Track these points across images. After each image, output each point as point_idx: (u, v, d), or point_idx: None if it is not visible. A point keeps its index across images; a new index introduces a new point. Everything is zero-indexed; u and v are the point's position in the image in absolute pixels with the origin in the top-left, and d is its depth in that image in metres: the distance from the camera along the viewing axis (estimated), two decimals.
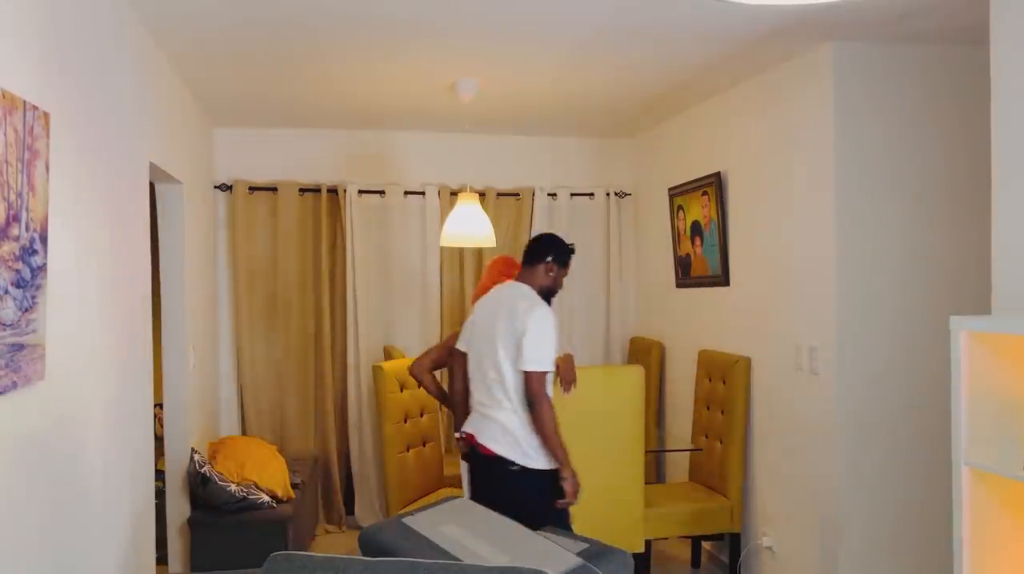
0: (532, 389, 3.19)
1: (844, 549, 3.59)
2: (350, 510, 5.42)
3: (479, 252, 5.53)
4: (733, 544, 4.32)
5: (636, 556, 3.78)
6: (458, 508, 2.89)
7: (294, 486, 4.41)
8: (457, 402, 3.57)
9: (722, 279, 4.53)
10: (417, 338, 5.46)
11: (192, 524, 4.03)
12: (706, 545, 4.78)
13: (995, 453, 2.37)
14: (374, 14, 3.18)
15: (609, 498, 3.88)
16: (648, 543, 4.16)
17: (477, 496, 3.34)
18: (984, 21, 2.74)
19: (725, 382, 4.33)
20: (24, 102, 1.91)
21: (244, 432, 5.30)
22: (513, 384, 3.23)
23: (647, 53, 3.73)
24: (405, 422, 4.45)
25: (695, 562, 4.68)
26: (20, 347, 1.90)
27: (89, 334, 2.51)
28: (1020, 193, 2.56)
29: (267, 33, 3.40)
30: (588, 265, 5.75)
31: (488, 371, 3.30)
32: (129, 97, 3.07)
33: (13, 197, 1.85)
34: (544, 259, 3.39)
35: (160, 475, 3.76)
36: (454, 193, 5.40)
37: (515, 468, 3.23)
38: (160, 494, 3.73)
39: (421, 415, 4.53)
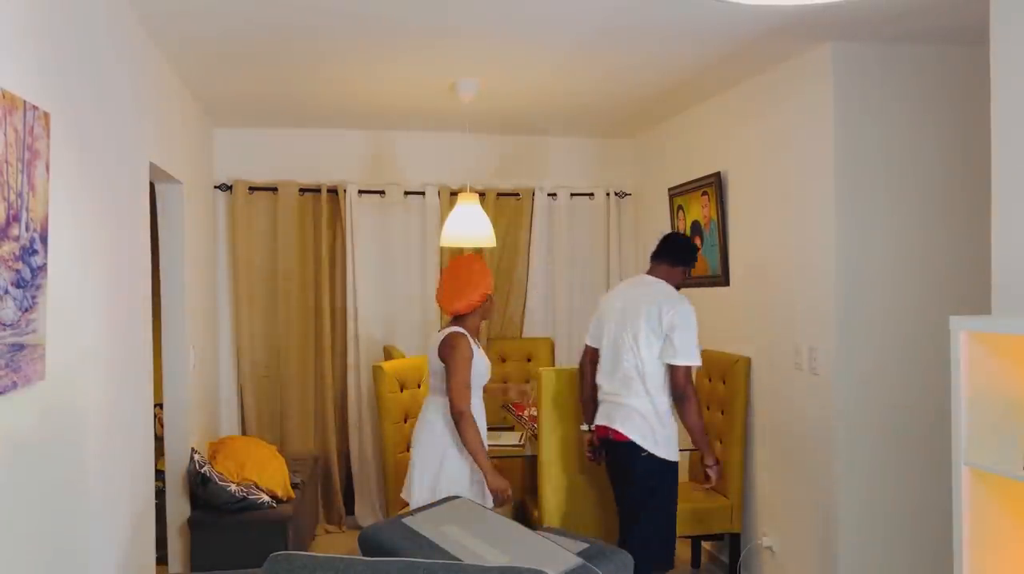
0: (680, 382, 3.42)
1: (844, 549, 3.59)
2: (350, 510, 5.42)
3: (479, 252, 5.53)
4: (733, 544, 4.32)
5: None
6: (458, 508, 2.89)
7: (294, 486, 4.41)
8: (588, 398, 3.77)
9: (722, 279, 4.53)
10: (417, 338, 5.46)
11: (192, 524, 4.03)
12: (706, 545, 4.78)
13: (995, 453, 2.36)
14: (374, 14, 3.18)
15: (609, 498, 3.89)
16: None
17: (614, 483, 3.64)
18: (984, 21, 2.74)
19: (725, 382, 4.33)
20: (24, 102, 1.91)
21: (244, 432, 5.30)
22: (652, 375, 3.45)
23: (647, 53, 3.73)
24: (405, 422, 4.45)
25: (695, 562, 4.68)
26: (20, 347, 1.90)
27: (89, 334, 2.51)
28: (1020, 193, 2.56)
29: (267, 33, 3.40)
30: (588, 265, 5.75)
31: (625, 362, 3.49)
32: (129, 97, 3.07)
33: (13, 197, 1.85)
34: (688, 264, 3.64)
35: (160, 475, 3.76)
36: (454, 193, 5.40)
37: (644, 454, 3.43)
38: (160, 494, 3.73)
39: None
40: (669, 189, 5.10)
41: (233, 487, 4.03)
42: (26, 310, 1.93)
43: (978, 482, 2.37)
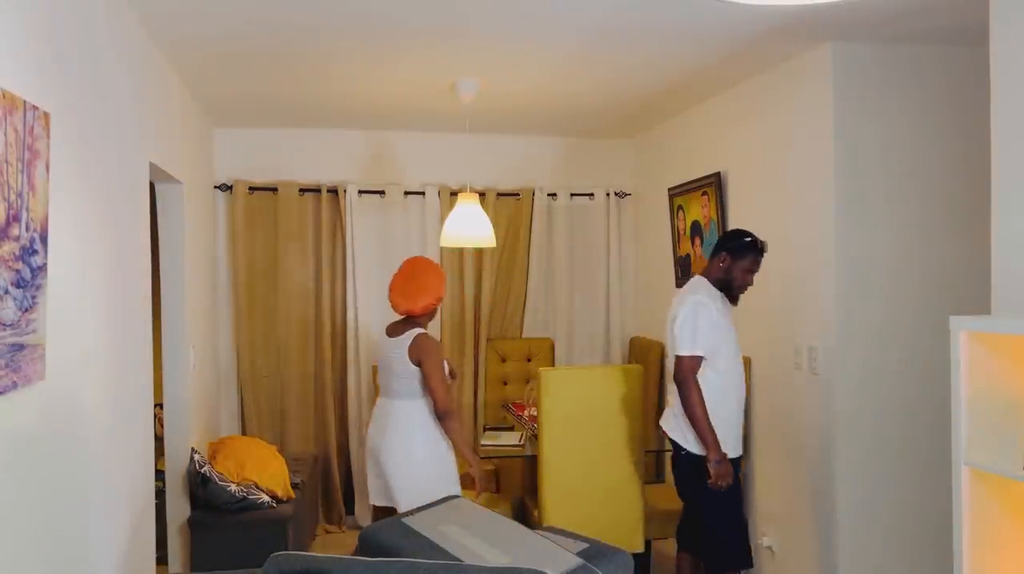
0: (678, 373, 3.39)
1: (844, 549, 3.59)
2: (350, 510, 5.42)
3: (479, 252, 5.53)
4: None
5: (636, 556, 3.78)
6: (458, 508, 2.89)
7: (294, 486, 4.41)
8: None
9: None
10: None
11: (192, 524, 4.03)
12: None
13: (995, 453, 2.37)
14: (374, 14, 3.18)
15: (609, 498, 3.89)
16: (648, 543, 4.16)
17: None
18: (984, 21, 2.74)
19: None
20: (24, 102, 1.91)
21: (244, 432, 5.30)
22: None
23: (647, 53, 3.73)
24: None
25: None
26: (20, 347, 1.90)
27: (89, 334, 2.51)
28: (1020, 193, 2.56)
29: (267, 33, 3.40)
30: (588, 265, 5.75)
31: (669, 363, 3.52)
32: (129, 97, 3.07)
33: (13, 197, 1.85)
34: (719, 252, 3.49)
35: (160, 475, 3.76)
36: (454, 193, 5.40)
37: (683, 453, 3.46)
38: (160, 494, 3.73)
39: None
40: (669, 189, 5.10)
41: (233, 487, 4.03)
42: (26, 310, 1.93)
43: (978, 482, 2.37)
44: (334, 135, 5.44)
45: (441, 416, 3.62)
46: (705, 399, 3.35)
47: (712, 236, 4.60)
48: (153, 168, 3.50)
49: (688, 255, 4.93)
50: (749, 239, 3.45)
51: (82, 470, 2.46)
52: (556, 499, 3.94)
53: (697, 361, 3.37)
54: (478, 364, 5.56)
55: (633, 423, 3.97)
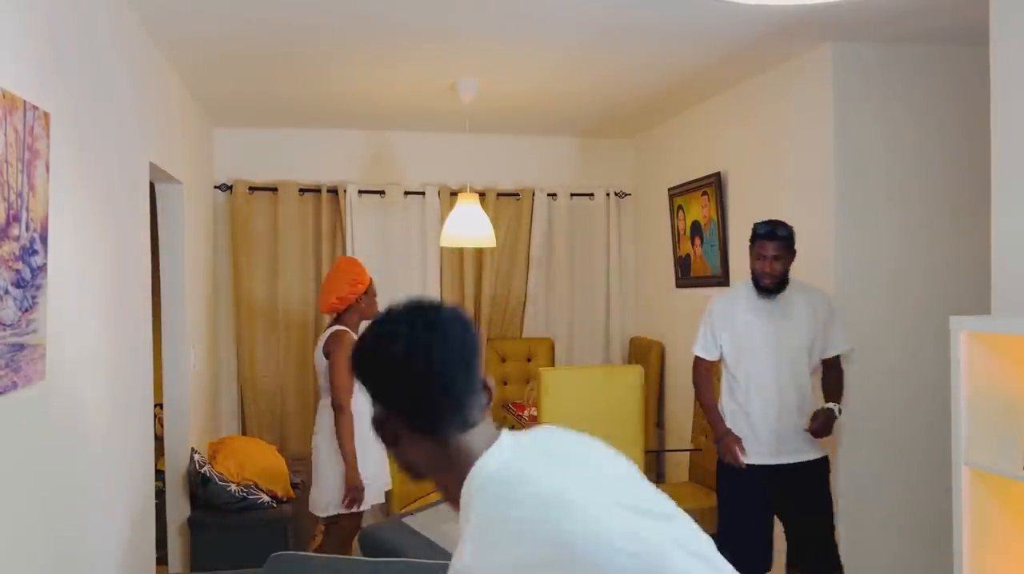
0: (693, 371, 3.47)
1: (843, 549, 3.58)
2: None
3: (479, 252, 5.53)
4: None
5: None
6: None
7: (294, 486, 4.41)
8: None
9: (722, 279, 4.52)
10: None
11: (192, 524, 4.03)
12: None
13: (995, 453, 2.37)
14: (374, 14, 3.18)
15: None
16: None
17: None
18: (984, 21, 2.74)
19: None
20: (24, 102, 1.91)
21: (244, 432, 5.30)
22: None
23: (647, 53, 3.73)
24: None
25: None
26: (20, 347, 1.90)
27: (89, 334, 2.51)
28: (1020, 193, 2.56)
29: (267, 33, 3.40)
30: (588, 265, 5.75)
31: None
32: (129, 97, 3.07)
33: (13, 197, 1.85)
34: (754, 241, 3.33)
35: (160, 475, 3.76)
36: (454, 193, 5.39)
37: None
38: (160, 494, 3.73)
39: None
40: (669, 189, 5.10)
41: (233, 487, 4.03)
42: (26, 310, 1.93)
43: (978, 482, 2.37)
44: (334, 135, 5.44)
45: (335, 411, 3.57)
46: (731, 399, 3.36)
47: (712, 236, 4.60)
48: (153, 168, 3.50)
49: (688, 255, 4.93)
50: (758, 224, 3.37)
51: (82, 470, 2.46)
52: None
53: (700, 361, 3.41)
54: None
55: (633, 423, 3.96)
